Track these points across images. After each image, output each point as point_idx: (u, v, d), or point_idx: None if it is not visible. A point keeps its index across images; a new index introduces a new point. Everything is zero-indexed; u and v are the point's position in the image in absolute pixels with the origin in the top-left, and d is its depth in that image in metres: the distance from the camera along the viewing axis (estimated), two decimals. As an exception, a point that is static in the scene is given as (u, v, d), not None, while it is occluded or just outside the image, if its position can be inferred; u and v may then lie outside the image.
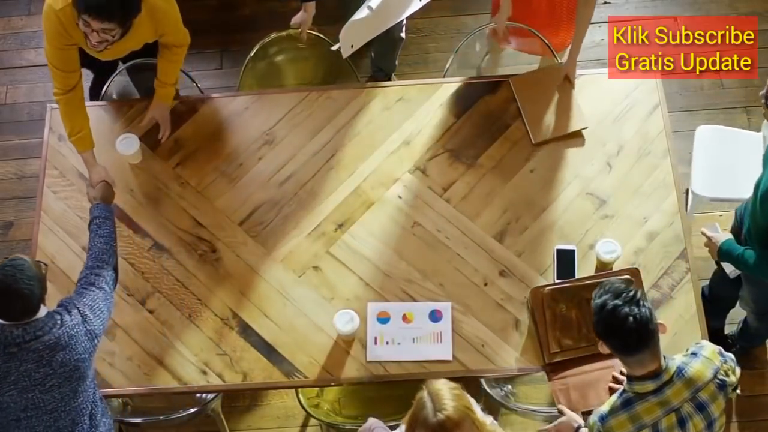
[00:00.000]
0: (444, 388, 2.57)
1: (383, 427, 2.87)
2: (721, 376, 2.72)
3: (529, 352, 3.28)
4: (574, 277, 3.37)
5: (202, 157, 3.66)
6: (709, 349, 2.78)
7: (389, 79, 4.51)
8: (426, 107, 3.72)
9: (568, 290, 3.29)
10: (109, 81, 3.90)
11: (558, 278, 3.37)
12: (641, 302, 2.63)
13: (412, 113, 3.71)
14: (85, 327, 2.86)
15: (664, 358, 2.69)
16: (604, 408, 2.76)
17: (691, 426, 2.69)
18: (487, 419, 2.74)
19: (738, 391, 2.86)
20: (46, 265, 2.99)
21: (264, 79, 4.04)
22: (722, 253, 3.22)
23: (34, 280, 2.78)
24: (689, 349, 2.79)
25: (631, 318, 2.59)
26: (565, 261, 3.40)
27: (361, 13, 3.65)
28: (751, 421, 3.91)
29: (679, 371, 2.69)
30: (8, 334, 2.77)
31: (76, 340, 2.83)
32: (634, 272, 3.31)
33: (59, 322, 2.82)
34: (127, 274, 3.45)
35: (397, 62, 4.48)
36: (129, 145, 3.61)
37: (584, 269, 3.39)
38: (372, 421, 2.90)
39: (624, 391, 2.75)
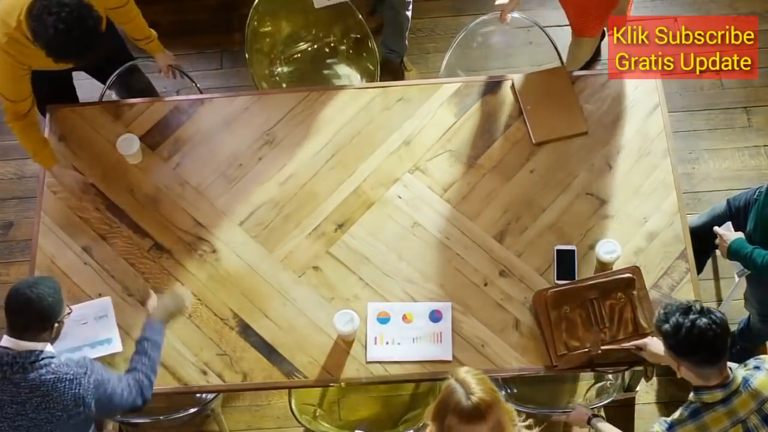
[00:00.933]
0: (468, 374, 2.61)
1: None
2: None
3: (530, 352, 3.28)
4: (574, 277, 3.37)
5: (202, 157, 3.66)
6: None
7: (402, 61, 4.54)
8: (426, 107, 3.72)
9: (571, 292, 3.28)
10: (103, 90, 3.93)
11: (558, 278, 3.37)
12: (710, 309, 2.67)
13: (412, 113, 3.71)
14: (77, 390, 2.78)
15: (729, 368, 2.72)
16: (670, 418, 2.77)
17: None
18: None
19: None
20: (70, 310, 2.97)
21: (270, 34, 4.07)
22: (731, 252, 3.23)
23: (58, 302, 2.81)
24: (749, 363, 2.81)
25: (714, 325, 2.63)
26: (565, 261, 3.40)
27: None
28: (751, 421, 3.91)
29: (745, 382, 2.71)
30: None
31: (59, 394, 2.77)
32: (635, 270, 3.31)
33: (53, 367, 2.78)
34: (127, 274, 3.46)
35: (407, 43, 4.49)
36: (129, 145, 3.61)
37: (584, 269, 3.39)
38: None
39: (690, 402, 2.76)
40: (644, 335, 3.17)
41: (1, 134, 4.67)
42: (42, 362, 2.77)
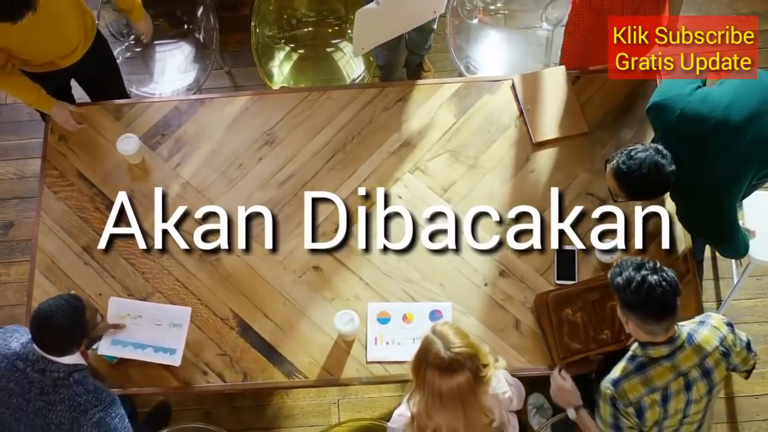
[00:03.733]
0: (446, 327, 2.69)
1: None
2: (725, 344, 2.82)
3: (530, 352, 3.29)
4: (574, 277, 3.37)
5: (202, 157, 3.67)
6: (717, 318, 2.88)
7: (422, 61, 4.55)
8: (426, 107, 3.72)
9: (572, 294, 3.29)
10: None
11: (558, 279, 3.38)
12: (663, 267, 2.73)
13: (412, 113, 3.71)
14: (80, 416, 2.78)
15: (676, 324, 2.78)
16: (615, 373, 2.83)
17: (695, 390, 2.79)
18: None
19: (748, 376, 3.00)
20: (102, 317, 2.95)
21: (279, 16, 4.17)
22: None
23: (79, 324, 2.80)
24: (697, 318, 2.89)
25: (664, 282, 2.69)
26: (566, 261, 3.40)
27: (371, 4, 3.61)
28: (751, 421, 3.91)
29: (690, 337, 2.80)
30: (29, 353, 2.80)
31: (63, 410, 2.79)
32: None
33: (71, 382, 2.79)
34: (128, 274, 3.46)
35: (430, 45, 4.49)
36: (129, 145, 3.61)
37: (584, 270, 3.39)
38: None
39: (635, 356, 2.82)
40: None
41: (1, 134, 4.68)
42: (61, 373, 2.80)
